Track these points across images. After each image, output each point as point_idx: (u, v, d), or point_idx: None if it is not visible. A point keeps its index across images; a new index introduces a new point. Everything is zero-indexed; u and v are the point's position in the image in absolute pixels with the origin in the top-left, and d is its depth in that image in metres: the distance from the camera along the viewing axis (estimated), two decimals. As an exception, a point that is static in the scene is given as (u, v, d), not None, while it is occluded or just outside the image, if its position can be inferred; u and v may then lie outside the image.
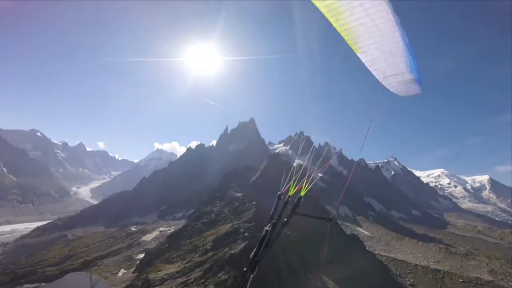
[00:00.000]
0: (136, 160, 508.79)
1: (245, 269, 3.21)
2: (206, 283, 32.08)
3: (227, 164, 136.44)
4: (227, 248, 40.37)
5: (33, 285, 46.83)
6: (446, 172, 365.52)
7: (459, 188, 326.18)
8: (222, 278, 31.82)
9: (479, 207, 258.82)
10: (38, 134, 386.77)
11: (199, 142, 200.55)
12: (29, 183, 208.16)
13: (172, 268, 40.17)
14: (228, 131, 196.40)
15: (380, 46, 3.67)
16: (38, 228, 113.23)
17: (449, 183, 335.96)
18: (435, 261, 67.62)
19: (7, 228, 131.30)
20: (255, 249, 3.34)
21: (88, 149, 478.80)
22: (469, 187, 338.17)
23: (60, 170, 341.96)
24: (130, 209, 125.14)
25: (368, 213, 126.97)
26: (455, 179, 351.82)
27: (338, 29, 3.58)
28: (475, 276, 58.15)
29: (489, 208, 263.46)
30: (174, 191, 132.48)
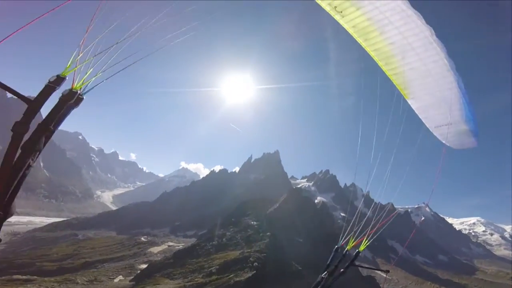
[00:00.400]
0: (161, 175, 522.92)
1: None
2: None
3: (246, 192, 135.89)
4: (233, 275, 38.96)
5: (24, 277, 46.94)
6: (482, 220, 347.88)
7: (496, 236, 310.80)
8: None
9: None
10: (80, 137, 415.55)
11: (222, 167, 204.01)
12: (59, 180, 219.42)
13: (171, 284, 39.11)
14: (252, 160, 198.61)
15: (432, 93, 3.39)
16: (52, 224, 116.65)
17: (484, 231, 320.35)
18: None
19: (24, 219, 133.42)
20: None
21: (120, 158, 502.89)
22: (507, 235, 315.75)
23: (90, 173, 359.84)
24: (145, 220, 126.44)
25: (390, 256, 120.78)
26: (492, 227, 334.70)
27: (388, 73, 3.43)
28: None
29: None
30: (190, 210, 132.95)
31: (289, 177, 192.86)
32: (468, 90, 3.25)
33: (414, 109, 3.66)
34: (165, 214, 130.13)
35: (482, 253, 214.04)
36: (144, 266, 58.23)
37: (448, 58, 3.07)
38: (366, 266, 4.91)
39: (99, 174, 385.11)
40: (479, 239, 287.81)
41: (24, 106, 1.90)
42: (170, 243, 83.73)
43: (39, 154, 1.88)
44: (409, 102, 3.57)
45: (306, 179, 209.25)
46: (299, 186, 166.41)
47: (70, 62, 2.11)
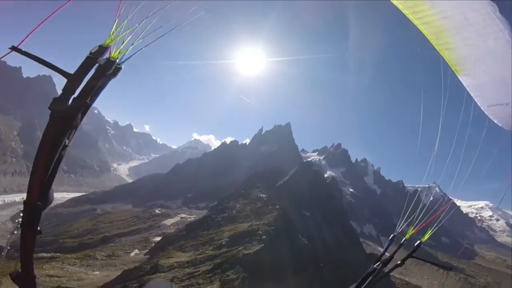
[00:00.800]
0: (174, 146, 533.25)
1: None
2: (213, 278, 31.20)
3: (256, 164, 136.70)
4: (241, 247, 39.42)
5: (49, 254, 49.52)
6: (490, 205, 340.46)
7: (501, 222, 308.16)
8: (230, 277, 30.67)
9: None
10: (95, 111, 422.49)
11: (233, 139, 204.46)
12: (77, 154, 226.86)
13: (183, 257, 40.37)
14: (263, 132, 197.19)
15: (490, 70, 3.23)
16: (72, 199, 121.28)
17: (491, 216, 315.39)
18: None
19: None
20: (356, 283, 3.14)
21: (135, 129, 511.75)
22: None
23: (107, 145, 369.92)
24: (159, 192, 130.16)
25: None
26: (500, 212, 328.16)
27: (438, 48, 3.24)
28: None
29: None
30: (202, 181, 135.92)
31: (299, 150, 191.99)
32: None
33: (465, 86, 3.45)
34: (178, 186, 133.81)
35: (484, 238, 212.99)
36: (158, 238, 59.75)
37: (511, 31, 2.88)
38: (427, 260, 4.20)
39: (115, 146, 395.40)
40: (484, 223, 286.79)
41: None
42: (183, 215, 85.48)
43: (75, 131, 1.69)
44: (460, 78, 3.41)
45: (317, 153, 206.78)
46: (309, 159, 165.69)
47: (111, 32, 1.96)
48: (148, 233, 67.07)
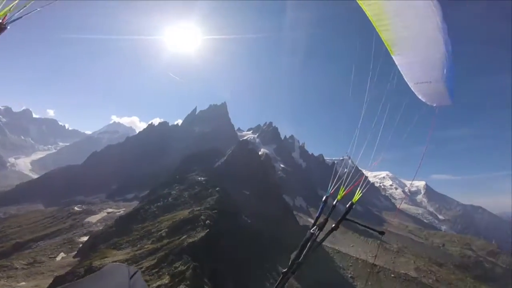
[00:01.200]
0: (88, 132, 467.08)
1: (284, 270, 3.05)
2: (160, 273, 28.85)
3: (191, 146, 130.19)
4: (185, 236, 37.39)
5: None
6: (390, 174, 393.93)
7: (399, 190, 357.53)
8: (179, 268, 28.60)
9: (412, 209, 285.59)
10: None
11: (162, 120, 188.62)
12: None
13: (120, 255, 36.01)
14: (197, 112, 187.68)
15: (419, 51, 3.58)
16: None
17: (391, 185, 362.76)
18: (372, 256, 73.11)
19: None
20: (297, 250, 3.21)
21: (34, 115, 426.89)
22: (407, 190, 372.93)
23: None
24: (76, 186, 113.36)
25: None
26: (397, 181, 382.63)
27: (378, 29, 3.49)
28: (404, 272, 64.00)
29: (420, 210, 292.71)
30: (128, 170, 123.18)
31: (235, 129, 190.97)
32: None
33: (397, 64, 3.74)
34: (98, 178, 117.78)
35: (388, 205, 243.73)
36: (85, 238, 54.51)
37: (443, 20, 3.29)
38: (361, 223, 4.16)
39: (9, 137, 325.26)
40: (387, 192, 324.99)
41: None
42: (110, 210, 77.67)
43: None
44: (394, 58, 3.70)
45: (251, 131, 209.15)
46: (245, 138, 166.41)
47: None
48: (71, 234, 60.36)
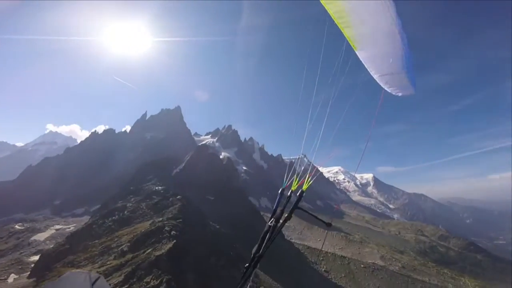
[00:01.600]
0: (20, 144, 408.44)
1: (247, 265, 3.21)
2: None
3: (143, 154, 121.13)
4: (150, 249, 34.04)
5: None
6: (342, 169, 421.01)
7: (352, 183, 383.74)
8: (151, 283, 26.06)
9: (365, 200, 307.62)
10: None
11: (107, 127, 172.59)
12: None
13: (82, 273, 30.91)
14: (147, 117, 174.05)
15: (379, 45, 3.76)
16: None
17: (344, 179, 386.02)
18: (340, 248, 75.50)
19: None
20: (257, 244, 3.35)
21: None
22: (358, 183, 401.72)
23: None
24: (11, 204, 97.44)
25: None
26: (349, 175, 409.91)
27: (340, 26, 3.63)
28: (372, 262, 67.11)
29: (373, 201, 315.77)
30: (72, 183, 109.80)
31: (192, 134, 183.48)
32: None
33: (361, 59, 3.92)
34: (38, 193, 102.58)
35: (344, 198, 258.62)
36: (35, 257, 49.35)
37: (397, 15, 3.54)
38: (311, 213, 4.23)
39: None
40: (341, 185, 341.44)
41: None
42: (58, 226, 70.79)
43: None
44: (357, 53, 3.85)
45: (210, 135, 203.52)
46: (203, 142, 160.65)
47: None
48: (17, 254, 54.92)
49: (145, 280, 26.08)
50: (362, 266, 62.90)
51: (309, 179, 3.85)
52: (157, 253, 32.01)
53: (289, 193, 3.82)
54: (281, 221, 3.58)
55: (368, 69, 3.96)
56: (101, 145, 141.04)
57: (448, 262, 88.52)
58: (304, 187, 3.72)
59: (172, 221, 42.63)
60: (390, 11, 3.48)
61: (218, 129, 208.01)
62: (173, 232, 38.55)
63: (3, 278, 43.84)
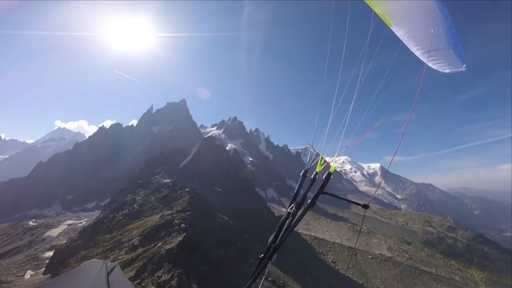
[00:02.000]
0: (30, 141, 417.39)
1: (262, 256, 2.86)
2: (143, 284, 25.97)
3: (150, 148, 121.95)
4: (160, 243, 34.30)
5: None
6: (349, 159, 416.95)
7: (358, 173, 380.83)
8: (163, 278, 26.06)
9: (372, 190, 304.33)
10: None
11: (114, 122, 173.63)
12: None
13: (95, 268, 31.56)
14: (153, 111, 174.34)
15: (418, 21, 3.62)
16: None
17: (351, 169, 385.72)
18: (347, 239, 75.15)
19: None
20: (274, 233, 2.98)
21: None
22: (365, 173, 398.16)
23: None
24: (25, 200, 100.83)
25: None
26: (356, 165, 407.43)
27: (370, 4, 3.49)
28: (379, 253, 66.82)
29: (380, 191, 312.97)
30: (82, 178, 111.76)
31: (198, 126, 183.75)
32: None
33: (399, 36, 3.75)
34: (49, 189, 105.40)
35: (351, 188, 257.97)
36: (49, 253, 50.38)
37: None
38: (342, 196, 3.88)
39: None
40: (348, 176, 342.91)
41: None
42: (70, 221, 71.74)
43: None
44: (394, 29, 3.71)
45: (216, 127, 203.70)
46: (210, 134, 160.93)
47: None
48: (32, 250, 55.77)
49: (156, 275, 26.14)
50: (369, 257, 62.78)
51: (336, 159, 3.54)
52: (167, 246, 32.25)
53: (312, 176, 3.43)
54: (303, 207, 3.20)
55: (408, 46, 3.82)
56: (109, 139, 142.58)
57: (455, 253, 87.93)
58: (332, 168, 3.30)
59: (182, 214, 42.96)
60: None
61: (224, 120, 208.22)
62: (182, 225, 38.81)
63: (20, 274, 45.11)
